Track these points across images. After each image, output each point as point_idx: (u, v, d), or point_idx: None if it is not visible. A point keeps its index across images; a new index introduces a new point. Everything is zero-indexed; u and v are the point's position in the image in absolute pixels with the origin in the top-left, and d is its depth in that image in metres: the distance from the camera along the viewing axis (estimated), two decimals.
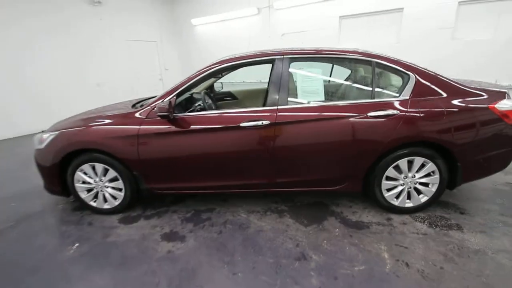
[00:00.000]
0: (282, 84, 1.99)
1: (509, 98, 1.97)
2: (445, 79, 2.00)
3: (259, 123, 1.93)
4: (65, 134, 2.16)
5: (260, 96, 3.61)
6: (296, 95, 2.02)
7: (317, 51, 2.04)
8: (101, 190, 2.26)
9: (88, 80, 6.40)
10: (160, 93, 2.22)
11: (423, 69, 2.01)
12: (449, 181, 2.08)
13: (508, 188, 2.54)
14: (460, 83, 2.01)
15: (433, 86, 1.97)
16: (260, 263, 1.70)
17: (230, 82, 7.04)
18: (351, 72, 2.32)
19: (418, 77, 1.98)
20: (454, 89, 1.98)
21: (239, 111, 2.03)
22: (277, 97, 1.99)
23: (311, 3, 5.38)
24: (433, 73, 2.01)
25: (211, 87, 3.63)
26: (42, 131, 2.32)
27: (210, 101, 2.81)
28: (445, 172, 2.02)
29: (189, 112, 2.54)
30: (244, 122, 1.95)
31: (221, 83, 3.71)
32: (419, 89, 1.96)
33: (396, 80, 2.13)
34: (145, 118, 2.06)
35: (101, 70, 6.56)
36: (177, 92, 2.08)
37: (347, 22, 5.20)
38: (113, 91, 6.74)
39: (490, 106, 1.93)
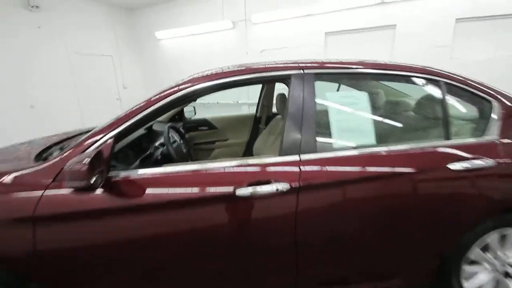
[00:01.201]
0: (306, 116, 1.17)
1: None
2: None
3: (272, 188, 1.07)
4: None
5: (247, 125, 2.77)
6: (329, 134, 1.20)
7: (358, 64, 1.28)
8: None
9: (20, 101, 5.05)
10: (93, 128, 1.26)
11: (505, 94, 1.36)
12: None
13: None
14: None
15: None
16: None
17: (202, 103, 6.18)
18: (403, 96, 1.59)
19: (502, 106, 1.31)
20: None
21: (231, 164, 1.14)
22: (299, 137, 1.15)
23: (293, 18, 4.84)
24: None
25: (180, 113, 2.72)
26: None
27: (178, 140, 1.89)
28: None
29: (143, 160, 1.60)
30: (242, 187, 1.07)
31: (193, 107, 2.82)
32: (508, 126, 1.28)
33: (458, 108, 1.44)
34: (51, 181, 1.08)
35: (37, 89, 5.25)
36: (116, 131, 1.14)
37: (334, 39, 4.72)
38: (53, 114, 5.44)
39: None
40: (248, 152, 2.70)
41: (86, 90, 6.02)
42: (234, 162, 1.13)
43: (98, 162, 1.02)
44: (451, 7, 3.85)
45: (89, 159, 0.93)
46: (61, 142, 1.68)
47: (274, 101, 2.49)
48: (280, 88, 2.42)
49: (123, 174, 1.11)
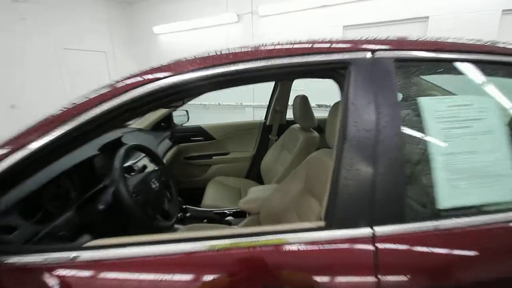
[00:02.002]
0: (382, 145, 0.57)
1: None
2: None
3: None
4: None
5: (254, 136, 2.19)
6: (433, 183, 0.60)
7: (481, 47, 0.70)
8: None
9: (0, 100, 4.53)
10: None
11: None
12: None
13: None
14: None
15: None
16: None
17: (202, 104, 5.61)
18: None
19: None
20: None
21: (222, 244, 0.55)
22: (370, 189, 0.55)
23: (306, 9, 4.26)
24: None
25: (167, 118, 2.14)
26: None
27: (147, 170, 1.28)
28: None
29: (83, 205, 0.99)
30: None
31: (186, 111, 2.24)
32: None
33: None
34: None
35: (20, 87, 4.73)
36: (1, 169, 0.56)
37: (353, 33, 4.11)
38: (38, 114, 4.88)
39: None
40: (254, 170, 2.12)
41: (76, 89, 5.49)
42: (226, 241, 0.54)
43: None
44: None
45: None
46: None
47: (291, 105, 1.92)
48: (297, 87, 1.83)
49: (14, 260, 0.53)
